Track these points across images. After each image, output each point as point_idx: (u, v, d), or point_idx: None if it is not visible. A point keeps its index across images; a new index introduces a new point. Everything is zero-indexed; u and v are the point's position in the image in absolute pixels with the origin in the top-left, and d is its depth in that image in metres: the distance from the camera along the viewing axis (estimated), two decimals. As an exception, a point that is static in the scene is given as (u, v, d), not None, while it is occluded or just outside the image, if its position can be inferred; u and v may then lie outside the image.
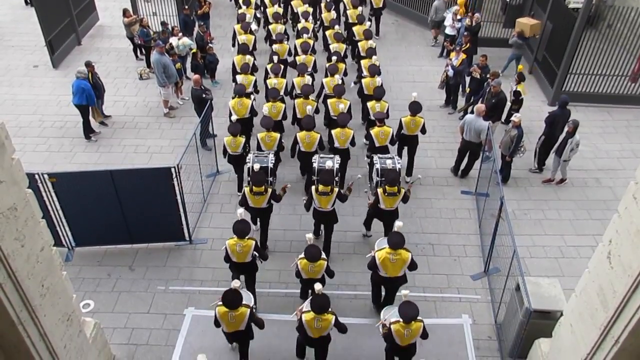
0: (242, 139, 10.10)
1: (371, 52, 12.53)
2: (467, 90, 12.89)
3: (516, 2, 15.49)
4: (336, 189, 8.89)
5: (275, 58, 12.17)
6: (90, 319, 7.33)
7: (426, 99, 13.82)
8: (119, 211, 9.05)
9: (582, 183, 11.20)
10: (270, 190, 8.91)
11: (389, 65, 15.00)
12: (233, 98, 11.14)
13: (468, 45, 13.30)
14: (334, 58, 12.22)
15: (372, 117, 10.76)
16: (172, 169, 8.72)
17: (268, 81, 11.68)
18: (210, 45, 14.23)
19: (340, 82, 11.52)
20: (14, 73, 14.96)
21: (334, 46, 13.02)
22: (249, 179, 9.05)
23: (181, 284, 9.08)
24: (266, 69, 12.25)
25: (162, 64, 12.44)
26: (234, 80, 12.32)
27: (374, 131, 10.31)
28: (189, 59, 14.27)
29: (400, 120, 10.62)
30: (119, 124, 12.92)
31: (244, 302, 6.97)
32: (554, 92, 13.22)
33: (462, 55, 12.75)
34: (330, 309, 7.01)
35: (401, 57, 15.79)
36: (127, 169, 9.72)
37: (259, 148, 10.09)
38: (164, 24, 14.62)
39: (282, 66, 12.07)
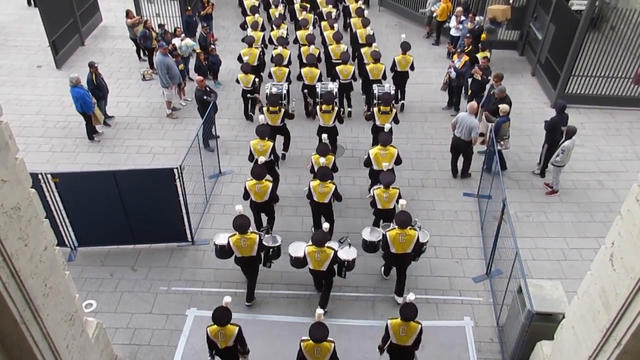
0: (252, 76, 12.33)
1: (361, 11, 14.57)
2: (469, 92, 12.89)
3: (519, 4, 15.50)
4: (336, 108, 11.11)
5: (278, 14, 15.00)
6: (92, 319, 7.35)
7: (429, 100, 13.85)
8: (122, 211, 9.06)
9: (584, 185, 11.18)
10: (283, 110, 11.05)
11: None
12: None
13: (470, 47, 13.29)
14: (333, 13, 14.82)
15: (366, 62, 12.74)
16: (175, 170, 8.74)
17: (272, 33, 14.06)
18: (213, 46, 14.25)
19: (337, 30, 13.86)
20: (17, 73, 15.01)
21: (325, 10, 15.10)
22: (267, 101, 11.22)
23: (183, 285, 9.09)
24: (271, 25, 14.82)
25: (166, 65, 12.47)
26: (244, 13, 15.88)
27: (369, 67, 12.46)
28: (191, 60, 14.29)
29: (394, 59, 12.69)
30: (122, 125, 12.95)
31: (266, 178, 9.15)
32: (557, 94, 13.20)
33: (465, 57, 12.75)
34: (331, 180, 9.12)
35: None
36: (130, 170, 9.75)
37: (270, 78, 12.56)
38: (161, 26, 14.58)
39: (286, 25, 14.64)
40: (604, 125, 12.97)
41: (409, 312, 6.90)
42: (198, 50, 13.92)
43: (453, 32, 15.20)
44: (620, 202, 5.31)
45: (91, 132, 12.32)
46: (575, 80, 13.13)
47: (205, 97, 11.58)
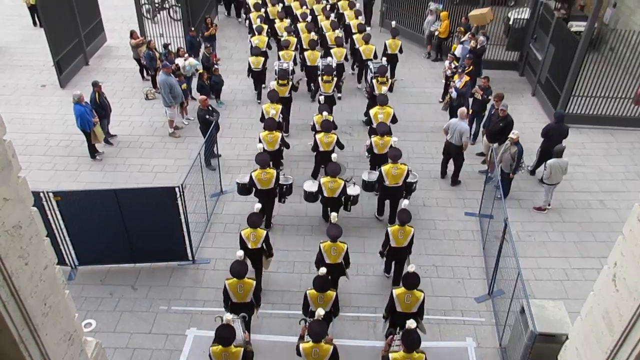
0: (262, 59, 14.05)
1: (352, 4, 16.96)
2: (470, 111, 12.94)
3: (519, 25, 15.66)
4: (335, 79, 13.04)
5: (280, 6, 17.21)
6: (91, 338, 7.26)
7: (430, 120, 13.92)
8: (123, 230, 9.05)
9: (586, 205, 11.16)
10: (290, 83, 12.78)
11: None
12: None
13: (471, 67, 13.40)
14: (328, 6, 17.46)
15: (357, 46, 14.81)
16: (176, 189, 8.75)
17: (277, 26, 16.05)
18: (216, 66, 14.40)
19: (334, 18, 16.43)
20: (22, 92, 15.14)
21: (316, 7, 17.40)
22: (276, 76, 12.91)
23: (183, 304, 9.04)
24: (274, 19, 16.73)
25: (169, 84, 12.57)
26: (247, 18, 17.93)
27: (362, 48, 14.47)
28: (194, 80, 14.42)
29: (385, 43, 14.70)
30: (124, 143, 13.02)
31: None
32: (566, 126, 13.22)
33: (465, 78, 12.85)
34: (333, 131, 10.86)
35: (405, 79, 15.91)
36: (132, 188, 9.76)
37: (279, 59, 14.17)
38: (165, 46, 14.79)
39: (290, 21, 16.51)
40: (604, 145, 13.00)
41: (404, 217, 8.49)
42: (200, 70, 14.06)
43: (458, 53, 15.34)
44: (622, 221, 5.29)
45: (93, 151, 12.37)
46: (576, 100, 13.21)
47: (207, 117, 11.66)
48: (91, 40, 16.90)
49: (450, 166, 11.74)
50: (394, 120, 11.58)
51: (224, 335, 6.67)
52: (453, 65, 13.91)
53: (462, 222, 10.77)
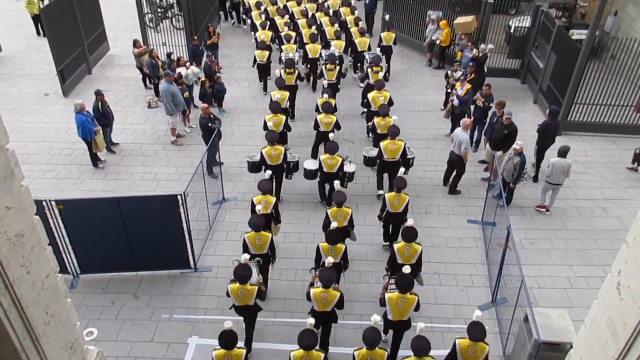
0: (267, 52, 14.98)
1: (347, 2, 17.72)
2: (472, 118, 12.96)
3: (520, 33, 15.71)
4: (338, 67, 13.84)
5: (282, 5, 17.97)
6: (93, 347, 7.23)
7: (432, 127, 13.93)
8: (125, 238, 9.05)
9: (589, 212, 11.13)
10: (297, 72, 13.66)
11: (394, 94, 15.07)
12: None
13: (473, 75, 13.42)
14: (327, 4, 18.18)
15: (354, 39, 15.71)
16: (179, 197, 8.76)
17: (278, 22, 16.60)
18: (218, 74, 14.45)
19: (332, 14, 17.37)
20: (25, 101, 15.19)
21: (309, 5, 18.20)
22: (283, 65, 13.80)
23: (185, 312, 9.01)
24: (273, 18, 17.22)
25: (171, 92, 12.62)
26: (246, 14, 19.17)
27: (357, 40, 15.50)
28: (196, 88, 14.47)
29: (380, 35, 15.74)
30: (126, 152, 13.04)
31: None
32: (559, 121, 13.24)
33: (467, 85, 12.86)
34: (334, 113, 11.92)
35: (407, 87, 15.97)
36: (134, 197, 9.77)
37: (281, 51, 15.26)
38: (168, 55, 14.87)
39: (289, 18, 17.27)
40: (607, 152, 12.99)
41: (400, 184, 9.32)
42: (203, 78, 14.11)
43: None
44: (626, 229, 5.28)
45: (95, 159, 12.40)
46: (577, 108, 13.22)
47: (209, 124, 11.69)
48: (94, 49, 16.98)
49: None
50: (391, 102, 12.47)
51: (241, 273, 7.57)
52: (458, 74, 13.89)
53: (465, 230, 10.74)
